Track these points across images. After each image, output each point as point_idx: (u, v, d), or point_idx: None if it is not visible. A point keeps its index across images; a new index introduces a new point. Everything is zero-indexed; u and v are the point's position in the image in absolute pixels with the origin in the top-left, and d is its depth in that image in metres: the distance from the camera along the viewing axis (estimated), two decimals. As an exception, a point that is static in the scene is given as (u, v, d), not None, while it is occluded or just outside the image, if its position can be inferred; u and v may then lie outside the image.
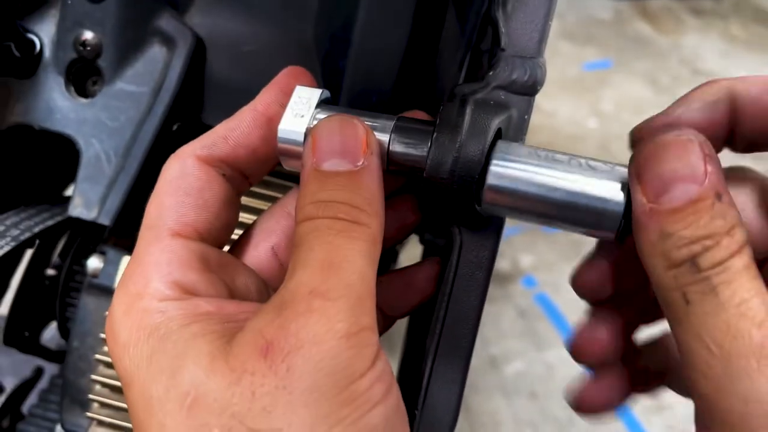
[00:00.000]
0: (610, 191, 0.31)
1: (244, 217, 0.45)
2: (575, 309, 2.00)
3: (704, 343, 0.26)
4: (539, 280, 2.01)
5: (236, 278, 0.33)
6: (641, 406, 1.71)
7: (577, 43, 3.10)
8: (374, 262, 0.29)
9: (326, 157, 0.30)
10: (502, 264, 2.04)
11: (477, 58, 0.46)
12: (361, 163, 0.30)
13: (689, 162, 0.27)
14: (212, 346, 0.27)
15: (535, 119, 2.60)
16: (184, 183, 0.32)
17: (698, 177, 0.26)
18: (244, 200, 0.46)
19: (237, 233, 0.37)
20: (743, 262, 0.26)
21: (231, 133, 0.33)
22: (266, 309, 0.27)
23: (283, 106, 0.34)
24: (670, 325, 0.28)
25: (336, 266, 0.27)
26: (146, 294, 0.29)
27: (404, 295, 0.39)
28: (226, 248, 0.37)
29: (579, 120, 2.63)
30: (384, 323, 0.40)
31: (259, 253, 0.36)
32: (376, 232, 0.30)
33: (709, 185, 0.26)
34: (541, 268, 2.03)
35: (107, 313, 0.30)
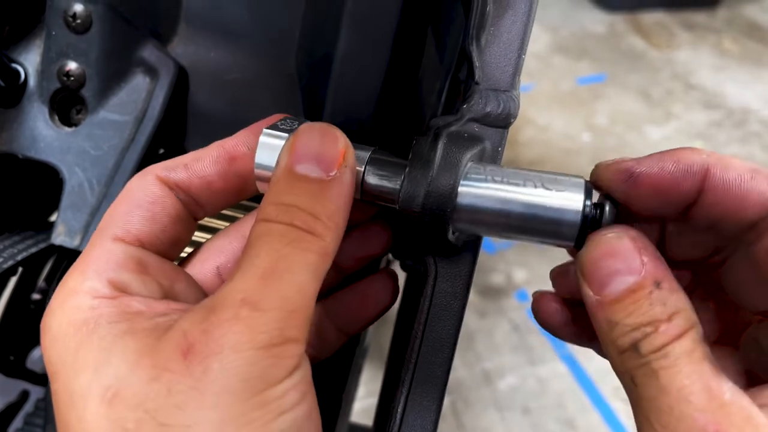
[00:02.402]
0: (569, 202, 0.32)
1: (200, 236, 0.46)
2: (569, 323, 2.00)
3: (652, 424, 0.27)
4: (533, 295, 2.01)
5: (175, 284, 0.34)
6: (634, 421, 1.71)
7: (570, 57, 3.12)
8: (319, 276, 0.29)
9: (301, 160, 0.31)
10: (495, 278, 2.04)
11: (456, 87, 0.46)
12: (333, 173, 0.31)
13: (624, 257, 0.29)
14: (140, 343, 0.28)
15: (529, 133, 2.62)
16: (138, 196, 0.33)
17: (634, 268, 0.29)
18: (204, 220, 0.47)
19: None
20: (684, 347, 0.27)
21: (193, 163, 0.34)
22: (196, 309, 0.28)
23: (250, 147, 0.35)
24: (632, 407, 0.29)
25: (276, 276, 0.28)
26: (81, 290, 0.30)
27: (361, 309, 0.40)
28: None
29: (572, 134, 2.64)
30: (340, 340, 0.41)
31: (204, 271, 0.37)
32: (329, 246, 0.30)
33: (646, 275, 0.29)
34: (534, 283, 2.03)
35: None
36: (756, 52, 3.24)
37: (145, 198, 0.33)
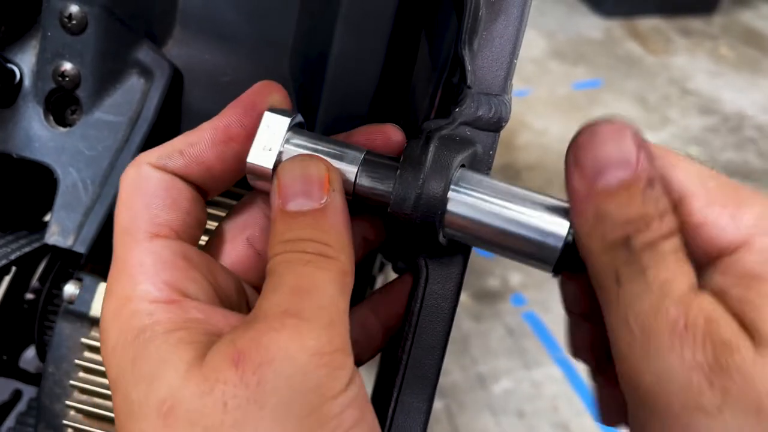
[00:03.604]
0: (554, 227, 0.32)
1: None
2: (564, 327, 1.99)
3: (628, 325, 0.27)
4: (528, 299, 2.01)
5: (218, 277, 0.33)
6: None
7: (567, 63, 3.13)
8: (346, 292, 0.29)
9: (290, 198, 0.31)
10: (491, 282, 2.05)
11: (450, 91, 0.47)
12: (324, 200, 0.31)
13: (622, 148, 0.28)
14: (192, 354, 0.27)
15: (526, 137, 2.62)
16: (148, 185, 0.32)
17: (631, 162, 0.28)
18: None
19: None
20: (672, 245, 0.27)
21: (188, 149, 0.33)
22: (241, 325, 0.27)
23: (245, 126, 0.34)
24: (603, 312, 0.29)
25: (306, 291, 0.28)
26: (134, 296, 0.29)
27: (403, 303, 0.40)
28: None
29: (569, 138, 2.64)
30: (382, 338, 0.40)
31: (236, 247, 0.36)
32: (346, 265, 0.30)
33: (641, 171, 0.28)
34: (530, 287, 2.04)
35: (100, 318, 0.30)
36: (752, 59, 3.26)
37: (157, 186, 0.32)
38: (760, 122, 2.85)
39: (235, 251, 0.36)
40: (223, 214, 0.45)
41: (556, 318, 1.96)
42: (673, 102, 2.91)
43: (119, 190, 0.33)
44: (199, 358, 0.27)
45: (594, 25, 3.42)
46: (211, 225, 0.41)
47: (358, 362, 0.31)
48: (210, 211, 0.42)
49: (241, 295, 0.35)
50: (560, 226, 0.32)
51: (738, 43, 3.37)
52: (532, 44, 3.22)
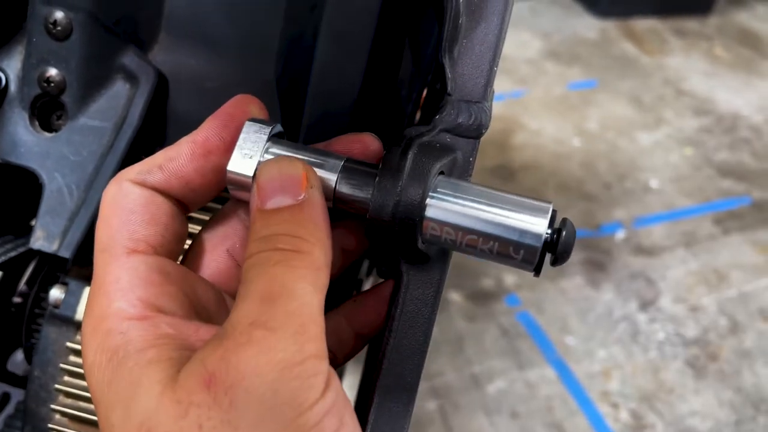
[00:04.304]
0: (532, 226, 0.33)
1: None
2: (558, 328, 2.01)
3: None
4: (522, 299, 2.02)
5: (196, 290, 0.34)
6: (621, 424, 1.72)
7: (562, 63, 3.14)
8: (319, 289, 0.29)
9: (269, 197, 0.31)
10: (485, 282, 2.05)
11: (433, 97, 0.47)
12: (302, 196, 0.31)
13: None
14: (164, 374, 0.27)
15: (521, 138, 2.63)
16: (127, 201, 0.32)
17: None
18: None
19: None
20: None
21: (167, 164, 0.33)
22: (212, 339, 0.27)
23: (223, 139, 0.34)
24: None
25: (275, 296, 0.27)
26: (110, 314, 0.29)
27: (380, 312, 0.40)
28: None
29: (563, 139, 2.65)
30: (358, 345, 0.40)
31: (215, 258, 0.36)
32: (320, 260, 0.30)
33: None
34: (524, 287, 2.04)
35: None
36: (747, 59, 3.27)
37: (136, 202, 0.32)
38: (755, 122, 2.86)
39: (215, 262, 0.36)
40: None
41: (550, 319, 1.97)
42: (668, 102, 2.91)
43: (100, 206, 0.33)
44: (171, 378, 0.27)
45: (589, 26, 3.43)
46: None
47: (334, 366, 0.31)
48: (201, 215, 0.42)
49: (221, 305, 0.35)
50: (539, 225, 0.33)
51: (733, 44, 3.38)
52: (528, 45, 3.23)
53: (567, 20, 3.45)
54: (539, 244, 0.32)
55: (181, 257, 0.37)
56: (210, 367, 0.26)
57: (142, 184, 0.33)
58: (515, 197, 0.34)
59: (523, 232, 0.33)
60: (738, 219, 2.37)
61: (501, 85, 2.92)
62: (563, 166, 2.51)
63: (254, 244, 0.30)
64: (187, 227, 0.36)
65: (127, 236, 0.32)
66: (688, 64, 3.19)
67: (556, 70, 3.08)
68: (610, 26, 3.42)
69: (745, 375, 1.87)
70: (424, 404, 1.69)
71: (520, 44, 3.22)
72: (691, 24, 3.51)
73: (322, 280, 0.30)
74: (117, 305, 0.30)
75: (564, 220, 0.34)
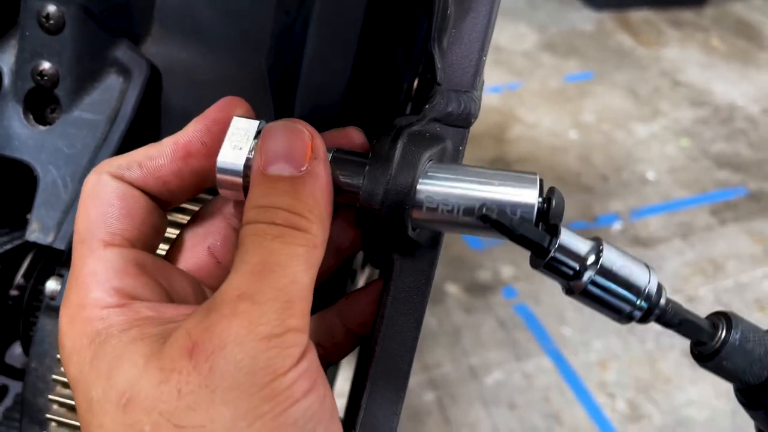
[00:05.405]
0: (524, 198, 0.33)
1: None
2: (555, 319, 2.02)
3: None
4: (519, 291, 2.02)
5: (173, 281, 0.34)
6: (618, 414, 1.73)
7: (558, 55, 3.13)
8: (312, 267, 0.30)
9: (271, 161, 0.32)
10: (483, 275, 2.06)
11: (423, 87, 0.47)
12: (304, 168, 0.31)
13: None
14: (149, 348, 0.28)
15: (517, 130, 2.63)
16: (105, 193, 0.33)
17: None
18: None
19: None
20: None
21: (146, 162, 0.34)
22: (198, 311, 0.29)
23: (205, 144, 0.34)
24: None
25: (268, 270, 0.28)
26: (87, 304, 0.30)
27: (372, 310, 0.40)
28: (163, 253, 0.37)
29: (560, 131, 2.66)
30: (351, 342, 0.41)
31: (196, 255, 0.37)
32: (317, 238, 0.31)
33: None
34: (521, 279, 2.05)
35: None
36: (743, 50, 3.26)
37: (113, 195, 0.33)
38: (751, 113, 2.86)
39: (194, 258, 0.37)
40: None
41: (547, 310, 1.98)
42: (664, 94, 2.92)
43: (81, 195, 0.33)
44: (156, 351, 0.28)
45: (586, 18, 3.42)
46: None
47: (326, 365, 0.32)
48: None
49: (200, 296, 0.36)
50: (530, 195, 0.33)
51: (729, 35, 3.37)
52: (524, 37, 3.23)
53: (563, 12, 3.45)
54: (533, 213, 0.33)
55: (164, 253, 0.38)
56: (194, 336, 0.27)
57: (120, 179, 0.33)
58: (501, 172, 0.34)
59: (515, 204, 0.33)
60: (734, 209, 2.38)
61: (497, 77, 2.92)
62: (560, 159, 2.51)
63: (253, 211, 0.31)
64: (165, 221, 0.36)
65: (104, 229, 0.32)
66: (685, 56, 3.19)
67: (553, 62, 3.08)
68: (606, 18, 3.42)
69: (742, 364, 1.87)
70: (422, 396, 1.70)
71: (516, 36, 3.22)
72: (687, 15, 3.51)
73: (317, 257, 0.31)
74: (94, 295, 0.31)
75: (552, 189, 0.34)
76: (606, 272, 0.33)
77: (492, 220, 0.32)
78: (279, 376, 0.27)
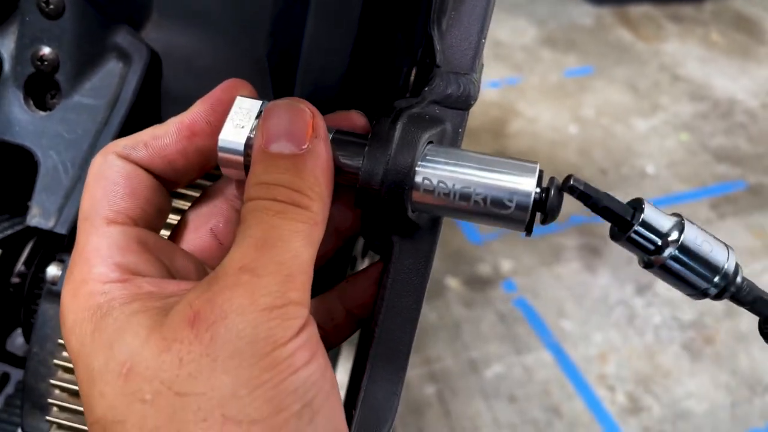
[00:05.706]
0: (521, 186, 0.33)
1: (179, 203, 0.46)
2: (554, 313, 2.03)
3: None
4: (519, 285, 2.03)
5: (175, 260, 0.35)
6: (618, 407, 1.74)
7: (558, 50, 3.13)
8: (312, 243, 0.31)
9: (273, 139, 0.32)
10: (482, 269, 2.06)
11: (422, 69, 0.47)
12: (305, 146, 0.32)
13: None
14: (151, 320, 0.29)
15: (517, 125, 2.63)
16: (111, 173, 0.33)
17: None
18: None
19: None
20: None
21: (152, 141, 0.34)
22: (200, 284, 0.29)
23: (210, 123, 0.35)
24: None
25: (270, 244, 0.29)
26: (90, 279, 0.31)
27: (373, 293, 0.40)
28: (166, 234, 0.38)
29: (560, 126, 2.66)
30: (352, 326, 0.41)
31: (199, 236, 0.37)
32: (317, 215, 0.31)
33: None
34: (521, 273, 2.05)
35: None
36: (742, 45, 3.26)
37: (118, 174, 0.33)
38: (750, 107, 2.86)
39: (197, 239, 0.37)
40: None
41: (547, 304, 1.98)
42: (664, 88, 2.91)
43: (87, 176, 0.34)
44: (157, 323, 0.28)
45: (585, 13, 3.42)
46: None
47: (327, 347, 0.32)
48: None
49: (202, 275, 0.36)
50: (528, 184, 0.33)
51: (729, 29, 3.37)
52: (524, 32, 3.22)
53: (563, 7, 3.45)
54: (530, 202, 0.33)
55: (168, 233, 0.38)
56: (195, 307, 0.28)
57: (127, 158, 0.34)
58: (502, 159, 0.35)
59: (513, 192, 0.33)
60: (733, 203, 2.38)
61: (497, 72, 2.92)
62: (559, 153, 2.51)
63: (254, 188, 0.31)
64: (170, 202, 0.37)
65: (107, 207, 0.33)
66: (684, 50, 3.19)
67: (552, 56, 3.08)
68: (605, 13, 3.41)
69: (741, 358, 1.88)
70: (423, 389, 1.70)
71: (515, 31, 3.22)
72: (686, 10, 3.50)
73: (317, 234, 0.31)
74: (97, 270, 0.31)
75: (551, 179, 0.34)
76: (686, 249, 0.34)
77: (579, 192, 0.33)
78: (279, 346, 0.27)
